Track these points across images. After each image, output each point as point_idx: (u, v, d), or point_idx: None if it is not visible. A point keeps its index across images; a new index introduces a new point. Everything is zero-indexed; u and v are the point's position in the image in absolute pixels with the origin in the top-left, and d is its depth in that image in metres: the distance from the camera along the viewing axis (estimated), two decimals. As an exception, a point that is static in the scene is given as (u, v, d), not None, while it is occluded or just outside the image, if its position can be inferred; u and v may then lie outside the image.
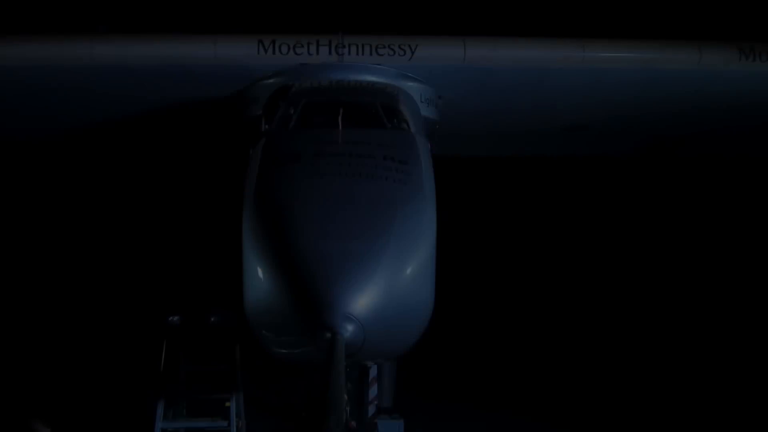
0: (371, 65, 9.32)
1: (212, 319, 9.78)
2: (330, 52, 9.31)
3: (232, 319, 9.40)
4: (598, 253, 21.93)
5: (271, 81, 9.42)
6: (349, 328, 5.48)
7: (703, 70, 9.70)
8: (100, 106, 10.68)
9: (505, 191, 19.61)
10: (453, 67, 9.58)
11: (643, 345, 20.22)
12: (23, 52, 9.24)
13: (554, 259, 22.75)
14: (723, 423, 13.80)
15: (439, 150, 9.25)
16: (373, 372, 9.20)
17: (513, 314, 22.96)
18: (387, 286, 5.81)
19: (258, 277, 6.21)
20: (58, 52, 9.25)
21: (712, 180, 17.45)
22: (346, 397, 8.09)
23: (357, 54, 9.35)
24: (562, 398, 15.96)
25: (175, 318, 9.38)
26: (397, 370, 10.17)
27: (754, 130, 12.27)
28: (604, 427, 13.70)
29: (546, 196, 20.33)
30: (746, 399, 15.75)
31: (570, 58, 9.52)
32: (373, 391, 9.27)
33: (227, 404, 8.81)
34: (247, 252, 6.49)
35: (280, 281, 5.95)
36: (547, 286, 23.16)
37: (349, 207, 6.27)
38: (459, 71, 9.65)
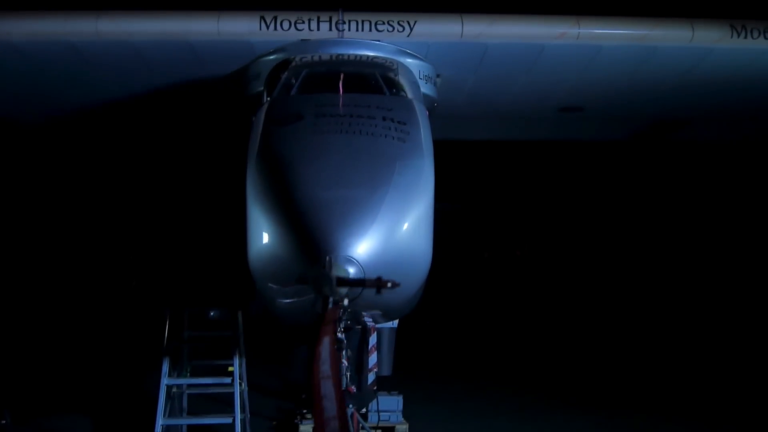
0: (372, 41, 9.51)
1: (212, 314, 9.98)
2: (330, 28, 9.52)
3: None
4: (589, 240, 22.19)
5: (272, 57, 9.60)
6: (351, 271, 5.65)
7: (696, 46, 9.89)
8: (103, 84, 10.86)
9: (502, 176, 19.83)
10: (450, 44, 9.75)
11: (635, 331, 20.53)
12: (28, 27, 9.43)
13: (547, 246, 23.03)
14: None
15: (436, 134, 9.45)
16: (372, 340, 9.37)
17: (505, 300, 23.29)
18: (387, 233, 5.99)
19: (261, 228, 6.39)
20: (63, 27, 9.45)
21: (706, 165, 17.69)
22: (346, 362, 8.33)
23: (357, 30, 9.55)
24: (555, 379, 16.28)
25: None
26: (396, 339, 10.29)
27: (746, 112, 12.52)
28: (592, 401, 14.05)
29: (541, 181, 20.55)
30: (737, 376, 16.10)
31: (565, 34, 9.69)
32: (372, 358, 9.42)
33: (230, 368, 8.99)
34: (250, 206, 6.68)
35: (282, 229, 6.13)
36: (539, 273, 23.45)
37: (349, 160, 6.45)
38: (456, 47, 9.83)
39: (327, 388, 4.57)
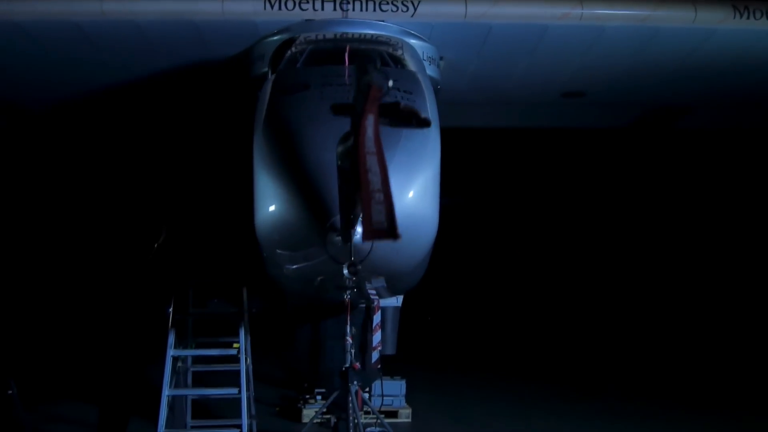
0: (377, 21, 9.53)
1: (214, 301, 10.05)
2: (335, 8, 9.51)
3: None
4: (593, 235, 22.20)
5: (276, 38, 9.64)
6: (359, 231, 5.68)
7: (698, 27, 9.89)
8: (108, 66, 10.83)
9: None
10: (454, 24, 9.75)
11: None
12: (33, 6, 9.43)
13: (548, 243, 23.03)
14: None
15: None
16: (376, 319, 9.41)
17: (506, 295, 23.32)
18: (394, 195, 6.00)
19: (269, 195, 6.43)
20: (68, 6, 9.47)
21: (711, 154, 17.70)
22: (350, 340, 8.36)
23: (361, 10, 9.54)
24: (555, 368, 16.35)
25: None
26: (399, 319, 10.31)
27: (748, 97, 12.54)
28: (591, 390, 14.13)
29: (543, 173, 20.56)
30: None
31: (569, 14, 9.69)
32: (376, 337, 9.46)
33: (235, 345, 9.04)
34: (258, 173, 6.71)
35: (290, 194, 6.17)
36: (540, 270, 23.48)
37: None
38: (460, 28, 9.83)
39: (372, 162, 4.62)
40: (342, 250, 5.81)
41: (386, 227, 4.61)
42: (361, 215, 4.79)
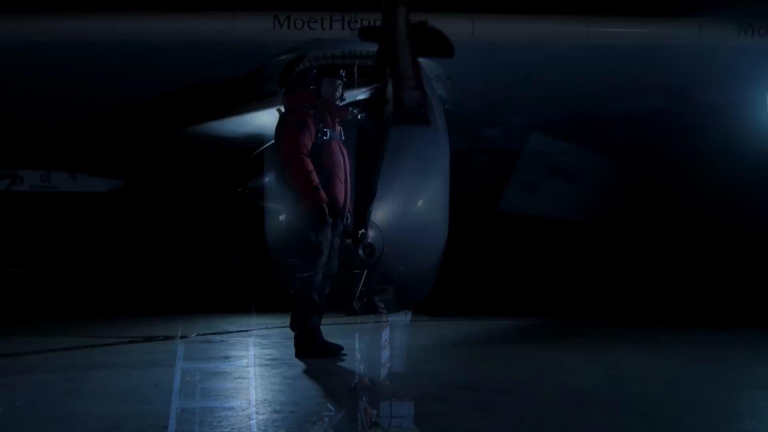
0: None
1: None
2: (343, 27, 9.70)
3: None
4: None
5: (284, 57, 9.74)
6: (370, 233, 5.71)
7: (704, 45, 10.01)
8: (119, 86, 10.95)
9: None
10: (461, 43, 9.82)
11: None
12: (45, 27, 9.63)
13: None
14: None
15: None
16: (385, 335, 9.34)
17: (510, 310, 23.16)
18: (404, 199, 6.07)
19: (280, 202, 6.43)
20: (80, 27, 9.64)
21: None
22: (359, 354, 8.29)
23: (369, 29, 9.69)
24: (567, 387, 16.09)
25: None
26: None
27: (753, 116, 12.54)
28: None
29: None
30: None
31: (574, 33, 9.85)
32: (385, 354, 9.38)
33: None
34: (268, 182, 6.72)
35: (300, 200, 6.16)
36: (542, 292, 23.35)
37: None
38: (467, 48, 9.88)
39: (403, 51, 4.71)
40: (353, 255, 5.83)
41: (417, 113, 4.71)
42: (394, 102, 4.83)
